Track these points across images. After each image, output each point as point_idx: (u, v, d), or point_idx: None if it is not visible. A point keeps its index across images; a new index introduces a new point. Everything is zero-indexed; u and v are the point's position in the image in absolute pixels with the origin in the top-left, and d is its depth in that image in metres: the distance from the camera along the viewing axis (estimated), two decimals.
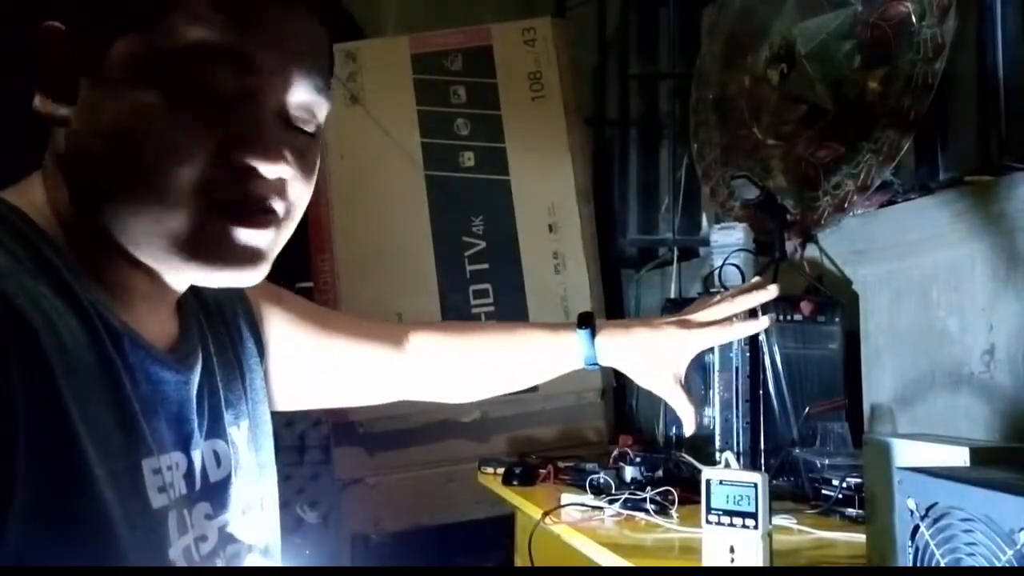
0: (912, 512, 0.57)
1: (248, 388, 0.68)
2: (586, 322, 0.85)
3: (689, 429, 0.86)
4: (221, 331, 0.67)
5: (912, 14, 1.23)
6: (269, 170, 0.52)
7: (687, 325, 0.84)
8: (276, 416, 0.73)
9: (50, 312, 0.46)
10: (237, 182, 0.52)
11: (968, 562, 0.51)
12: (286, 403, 0.78)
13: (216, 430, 0.61)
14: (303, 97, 0.55)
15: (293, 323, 0.77)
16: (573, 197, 1.99)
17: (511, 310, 1.96)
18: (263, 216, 0.54)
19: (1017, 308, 1.07)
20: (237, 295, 0.72)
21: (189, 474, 0.56)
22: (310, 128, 0.57)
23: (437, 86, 2.02)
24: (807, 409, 1.23)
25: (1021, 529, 0.47)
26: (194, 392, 0.58)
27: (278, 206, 0.55)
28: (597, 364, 0.85)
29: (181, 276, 0.56)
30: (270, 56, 0.52)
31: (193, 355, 0.59)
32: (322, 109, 0.57)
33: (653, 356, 0.84)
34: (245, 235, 0.53)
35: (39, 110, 0.53)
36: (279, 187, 0.54)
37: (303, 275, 1.96)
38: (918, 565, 0.56)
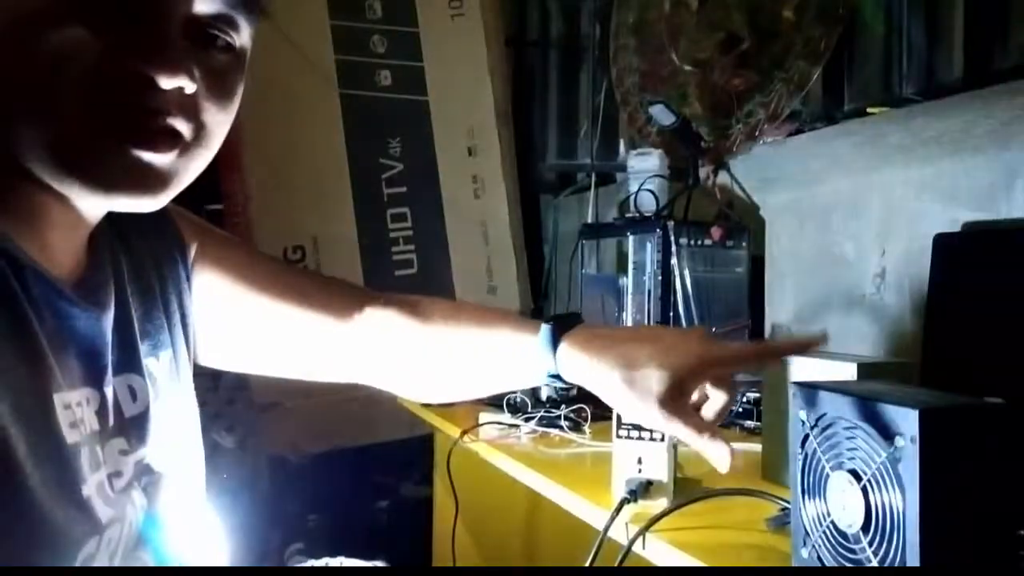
0: (803, 423, 0.62)
1: (169, 317, 0.65)
2: (561, 327, 0.67)
3: (722, 467, 0.65)
4: (139, 257, 0.63)
5: None
6: (167, 81, 0.48)
7: (674, 392, 0.64)
8: None
9: None
10: (130, 91, 0.48)
11: (849, 465, 0.57)
12: (209, 359, 0.72)
13: (131, 364, 0.59)
14: (213, 8, 0.51)
15: (221, 269, 0.70)
16: (493, 120, 1.97)
17: (430, 235, 1.95)
18: (163, 137, 0.50)
19: (906, 233, 1.14)
20: (163, 219, 0.66)
21: (102, 410, 0.55)
22: (224, 44, 0.53)
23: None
24: (713, 329, 1.29)
25: (896, 435, 0.52)
26: (107, 326, 0.56)
27: (183, 127, 0.51)
28: (560, 379, 0.68)
29: (84, 202, 0.52)
30: None
31: (103, 288, 0.57)
32: (243, 29, 0.54)
33: (622, 395, 0.65)
34: (140, 155, 0.50)
35: None
36: (185, 106, 0.51)
37: (213, 197, 1.88)
38: (807, 471, 0.61)
